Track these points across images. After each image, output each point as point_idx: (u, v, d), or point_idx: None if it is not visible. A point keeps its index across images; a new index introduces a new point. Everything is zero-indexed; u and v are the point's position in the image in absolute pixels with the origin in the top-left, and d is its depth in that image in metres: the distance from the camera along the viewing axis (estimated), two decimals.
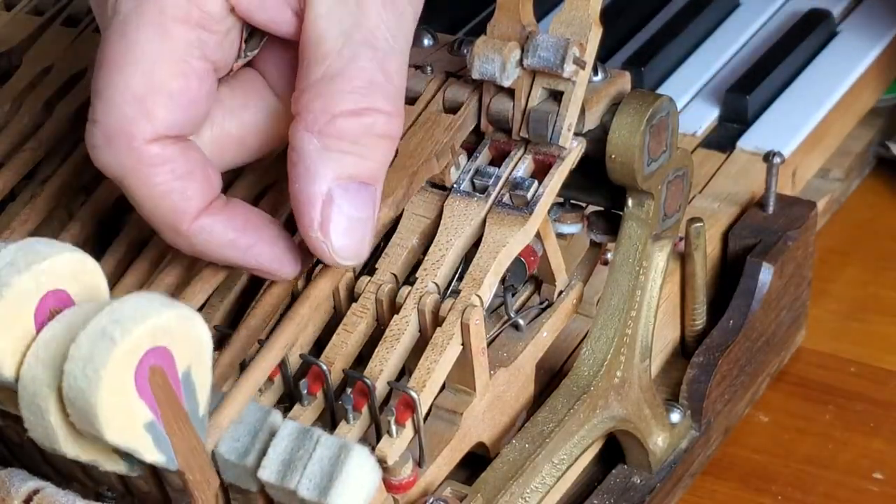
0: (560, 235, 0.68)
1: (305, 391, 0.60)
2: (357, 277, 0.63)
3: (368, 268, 0.64)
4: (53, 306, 0.52)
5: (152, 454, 0.53)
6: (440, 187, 0.66)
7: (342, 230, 0.58)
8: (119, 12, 0.56)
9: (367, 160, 0.57)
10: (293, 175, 0.57)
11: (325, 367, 0.60)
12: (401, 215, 0.65)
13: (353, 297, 0.63)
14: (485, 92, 0.65)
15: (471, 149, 0.66)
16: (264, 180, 0.65)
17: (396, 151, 0.62)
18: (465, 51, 0.68)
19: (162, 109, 0.56)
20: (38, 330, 0.52)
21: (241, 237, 0.59)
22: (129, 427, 0.52)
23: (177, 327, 0.52)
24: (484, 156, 0.66)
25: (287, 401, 0.61)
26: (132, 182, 0.56)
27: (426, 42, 0.71)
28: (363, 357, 0.62)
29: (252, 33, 0.59)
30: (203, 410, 0.55)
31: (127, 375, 0.51)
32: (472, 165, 0.65)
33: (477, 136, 0.67)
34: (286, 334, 0.60)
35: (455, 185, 0.65)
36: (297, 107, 0.57)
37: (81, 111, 0.69)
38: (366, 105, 0.56)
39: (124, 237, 0.64)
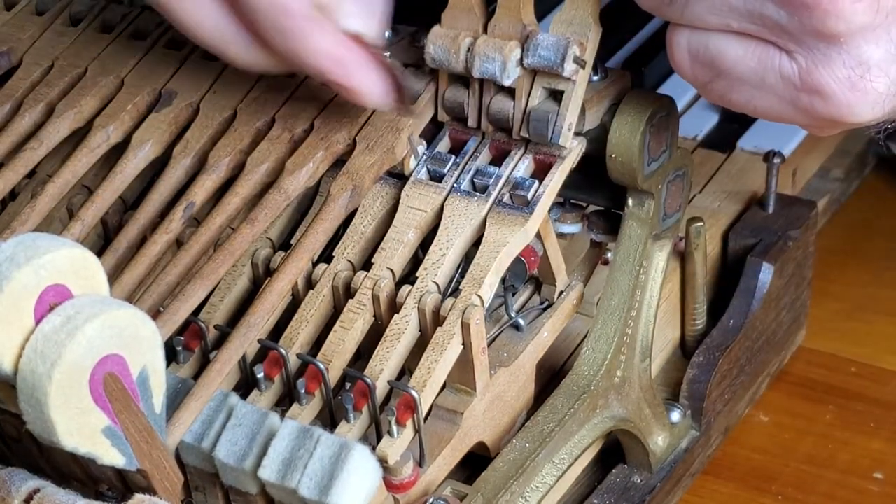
0: (560, 235, 0.68)
1: (303, 390, 0.60)
2: (315, 265, 0.64)
3: (325, 255, 0.64)
4: (53, 300, 0.52)
5: (112, 457, 0.54)
6: (398, 176, 0.66)
7: None
8: None
9: None
10: None
11: (322, 367, 0.60)
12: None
13: (310, 284, 0.64)
14: (485, 91, 0.65)
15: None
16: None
17: (312, 125, 0.65)
18: (420, 41, 0.68)
19: None
20: (38, 324, 0.52)
21: None
22: (86, 434, 0.52)
23: (127, 328, 0.52)
24: (484, 156, 0.66)
25: (286, 403, 0.61)
26: None
27: (386, 34, 0.71)
28: (359, 353, 0.62)
29: None
30: (160, 407, 0.55)
31: (81, 386, 0.51)
32: (473, 165, 0.65)
33: (435, 126, 0.67)
34: (244, 327, 0.60)
35: (455, 185, 0.65)
36: None
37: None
38: None
39: (124, 236, 0.64)
